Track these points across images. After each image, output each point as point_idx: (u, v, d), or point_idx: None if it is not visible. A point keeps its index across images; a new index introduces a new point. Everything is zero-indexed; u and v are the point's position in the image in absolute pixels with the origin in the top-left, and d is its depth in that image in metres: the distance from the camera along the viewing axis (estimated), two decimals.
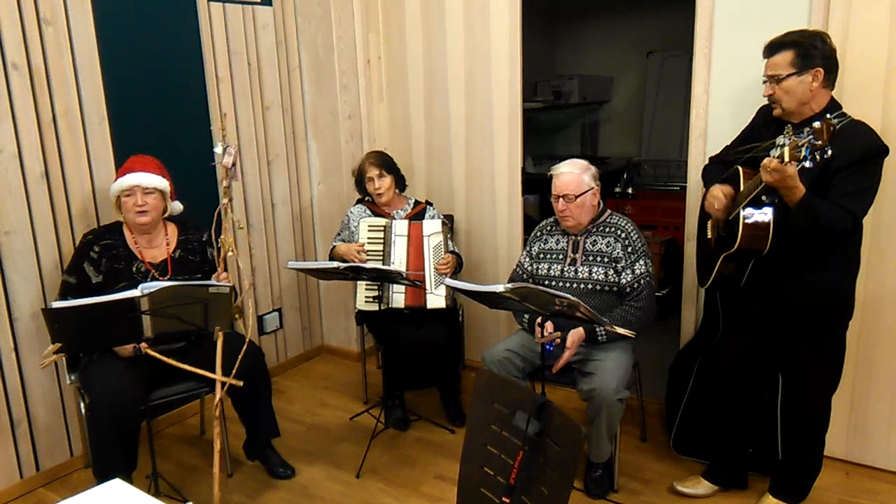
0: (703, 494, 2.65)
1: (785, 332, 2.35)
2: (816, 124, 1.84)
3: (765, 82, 2.22)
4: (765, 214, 2.18)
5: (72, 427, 2.96)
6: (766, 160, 1.99)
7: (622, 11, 5.75)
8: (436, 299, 3.15)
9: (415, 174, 3.78)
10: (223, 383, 2.45)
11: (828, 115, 1.88)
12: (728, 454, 2.65)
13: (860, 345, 2.68)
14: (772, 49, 2.19)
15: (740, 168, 2.30)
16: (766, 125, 2.35)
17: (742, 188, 2.24)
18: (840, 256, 2.24)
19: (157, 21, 3.13)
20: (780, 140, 1.98)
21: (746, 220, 2.19)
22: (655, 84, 5.82)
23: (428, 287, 3.14)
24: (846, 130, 2.07)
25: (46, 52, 2.72)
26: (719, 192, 2.33)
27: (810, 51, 2.11)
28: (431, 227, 3.22)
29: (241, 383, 2.44)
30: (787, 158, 1.91)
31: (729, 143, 2.58)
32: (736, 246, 2.23)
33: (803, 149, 1.86)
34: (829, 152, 1.84)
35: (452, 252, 3.26)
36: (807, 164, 1.87)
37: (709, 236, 2.51)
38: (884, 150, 2.10)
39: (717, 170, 2.49)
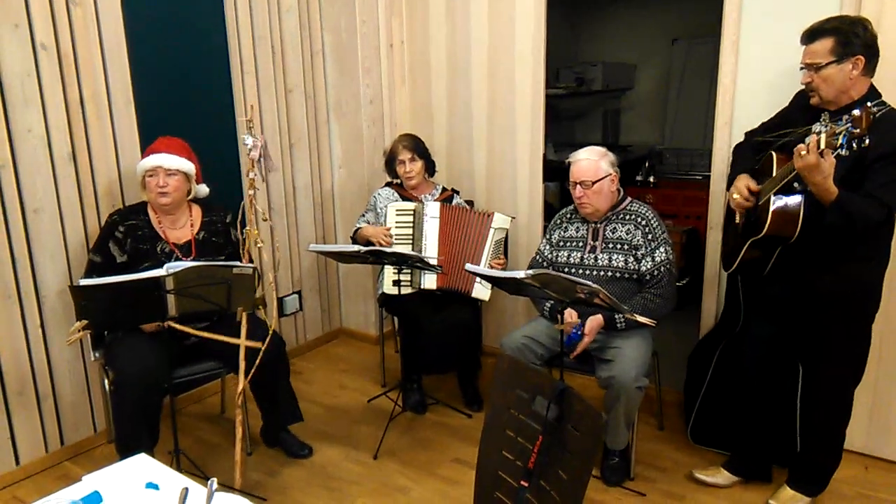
0: (722, 484, 2.64)
1: (809, 321, 2.32)
2: (856, 112, 1.81)
3: (802, 69, 2.18)
4: (795, 201, 2.15)
5: (96, 403, 3.02)
6: (799, 145, 1.96)
7: None
8: (481, 290, 3.13)
9: (436, 159, 3.77)
10: (246, 374, 2.50)
11: (868, 104, 1.84)
12: (750, 445, 2.62)
13: (884, 338, 2.65)
14: (811, 36, 2.14)
15: (774, 154, 2.27)
16: (801, 112, 2.30)
17: (774, 174, 2.21)
18: (870, 247, 2.21)
19: (183, 3, 3.14)
20: (816, 128, 1.95)
21: (775, 207, 2.16)
22: (680, 72, 5.76)
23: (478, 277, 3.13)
24: (885, 120, 2.02)
25: (74, 34, 2.74)
26: (744, 186, 2.31)
27: (851, 38, 2.06)
28: (502, 221, 3.20)
29: (260, 345, 2.49)
30: (823, 145, 1.88)
31: (766, 120, 2.52)
32: (763, 232, 2.20)
33: (840, 136, 1.84)
34: (867, 141, 1.81)
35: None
36: (842, 151, 1.84)
37: (737, 221, 2.48)
38: None
39: (749, 153, 2.46)
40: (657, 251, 2.69)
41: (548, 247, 2.93)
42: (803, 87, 2.23)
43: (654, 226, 2.72)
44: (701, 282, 3.15)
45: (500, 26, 3.47)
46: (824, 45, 2.09)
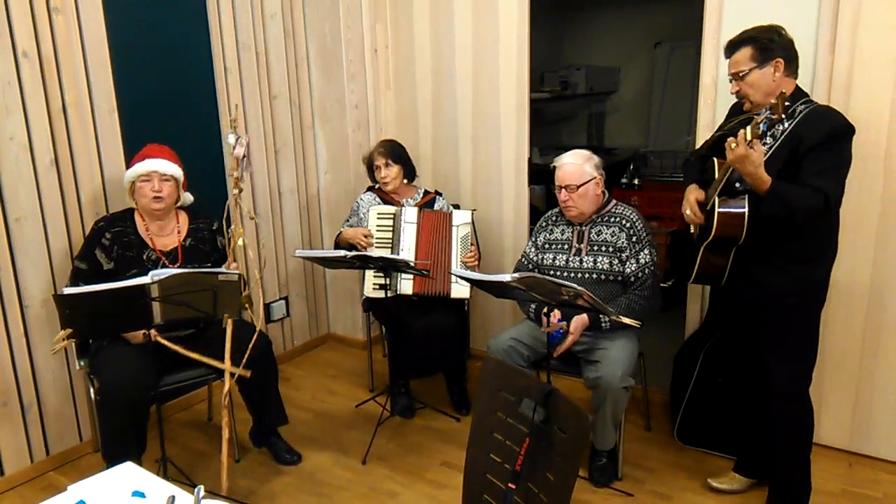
0: (738, 490, 2.62)
1: (762, 322, 2.34)
2: (772, 100, 1.96)
3: (731, 81, 2.26)
4: (739, 201, 2.20)
5: (81, 412, 2.99)
6: (729, 139, 2.06)
7: (630, 2, 5.73)
8: (460, 290, 3.15)
9: (421, 164, 3.79)
10: (233, 374, 2.48)
11: (782, 92, 1.98)
12: (753, 445, 2.58)
13: (866, 335, 2.69)
14: (731, 48, 2.24)
15: (715, 159, 2.33)
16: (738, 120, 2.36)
17: (717, 177, 2.27)
18: (813, 246, 2.25)
19: (166, 10, 3.14)
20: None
21: (720, 209, 2.22)
22: (663, 75, 5.80)
23: (454, 277, 3.14)
24: (814, 113, 2.15)
25: (56, 41, 2.73)
26: (693, 200, 2.38)
27: (768, 44, 2.16)
28: (461, 217, 3.22)
29: (248, 373, 2.47)
30: (749, 136, 2.00)
31: (708, 137, 2.60)
32: (712, 234, 2.24)
33: (761, 124, 1.97)
34: (785, 125, 2.00)
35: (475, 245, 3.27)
36: (767, 139, 1.99)
37: (692, 230, 2.52)
38: (850, 130, 2.13)
39: (696, 165, 2.52)
40: (641, 253, 2.71)
41: (533, 249, 2.94)
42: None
43: (639, 228, 2.74)
44: (686, 283, 3.17)
45: (484, 31, 3.48)
46: (744, 53, 2.19)
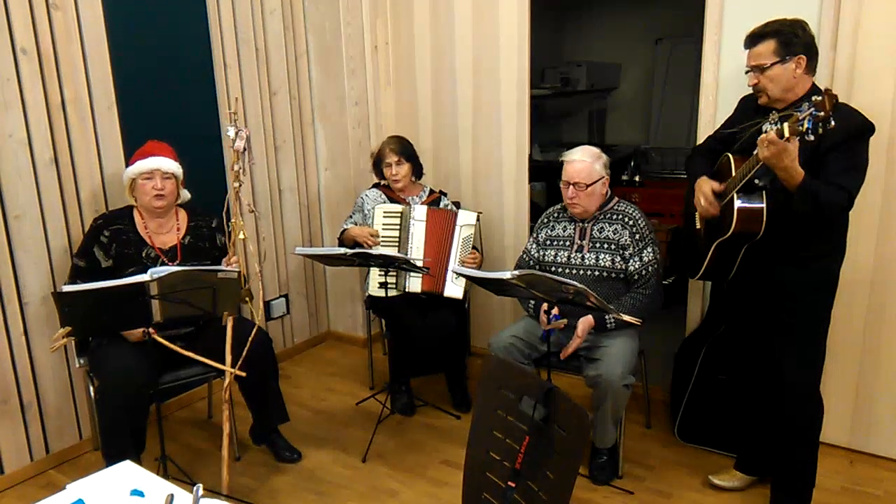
0: (739, 487, 2.62)
1: (775, 317, 2.32)
2: (817, 97, 1.86)
3: (748, 72, 2.23)
4: (758, 198, 2.18)
5: (81, 410, 2.99)
6: (763, 134, 2.00)
7: None
8: (455, 289, 3.14)
9: (422, 161, 3.77)
10: (233, 368, 2.48)
11: (827, 88, 1.90)
12: (754, 443, 2.58)
13: (867, 332, 2.68)
14: (753, 39, 2.21)
15: (731, 156, 2.30)
16: (750, 115, 2.33)
17: (734, 174, 2.24)
18: (828, 241, 2.24)
19: (166, 6, 3.12)
20: (766, 127, 2.01)
21: (740, 205, 2.19)
22: (664, 71, 5.79)
23: (449, 277, 3.14)
24: (835, 111, 2.07)
25: (55, 38, 2.72)
26: (708, 188, 2.32)
27: (792, 39, 2.14)
28: (466, 218, 3.20)
29: (244, 374, 2.47)
30: (786, 133, 1.92)
31: (712, 133, 2.58)
32: (730, 232, 2.21)
33: (805, 121, 1.88)
34: (833, 123, 1.86)
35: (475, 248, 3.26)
36: (809, 136, 1.88)
37: (697, 226, 2.50)
38: (870, 128, 2.11)
39: (702, 160, 2.49)
40: (644, 251, 2.70)
41: (534, 246, 2.93)
42: (751, 89, 2.28)
43: (642, 226, 2.74)
44: (687, 280, 3.17)
45: (485, 27, 3.47)
46: (767, 46, 2.16)
